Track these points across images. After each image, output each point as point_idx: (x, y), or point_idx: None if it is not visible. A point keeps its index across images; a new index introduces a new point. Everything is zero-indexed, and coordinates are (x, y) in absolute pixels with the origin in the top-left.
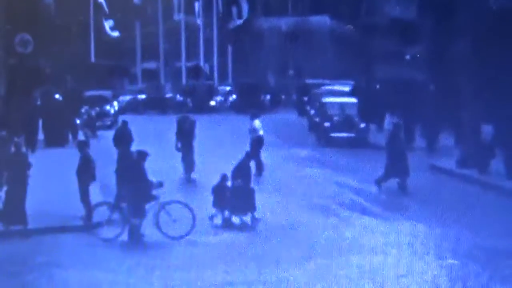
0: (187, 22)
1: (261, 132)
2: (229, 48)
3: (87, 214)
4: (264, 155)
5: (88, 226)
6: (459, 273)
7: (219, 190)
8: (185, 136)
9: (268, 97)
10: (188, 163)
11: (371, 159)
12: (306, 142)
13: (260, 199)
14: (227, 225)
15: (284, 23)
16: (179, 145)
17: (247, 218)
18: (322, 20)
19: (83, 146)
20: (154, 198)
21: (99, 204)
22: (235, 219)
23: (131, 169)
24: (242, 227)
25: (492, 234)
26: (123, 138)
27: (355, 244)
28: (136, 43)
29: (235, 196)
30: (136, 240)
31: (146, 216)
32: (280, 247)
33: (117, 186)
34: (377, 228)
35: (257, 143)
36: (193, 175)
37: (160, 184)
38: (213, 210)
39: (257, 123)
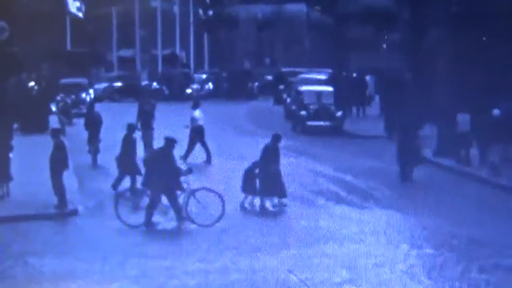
0: (164, 9)
1: (201, 122)
2: (205, 36)
3: (60, 202)
4: (240, 143)
5: (63, 214)
6: (435, 262)
7: (248, 175)
8: (145, 116)
9: (256, 84)
10: (148, 141)
11: (347, 148)
12: (283, 130)
13: (237, 187)
14: (260, 210)
15: (260, 10)
16: (139, 125)
17: (276, 202)
18: (298, 8)
19: (56, 134)
20: (183, 185)
21: (126, 191)
22: (266, 204)
23: (160, 156)
24: (267, 211)
25: (468, 223)
26: (92, 121)
27: (331, 233)
28: (112, 30)
29: (264, 179)
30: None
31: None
32: (256, 235)
33: (144, 173)
34: (353, 217)
35: (197, 132)
36: None
37: (189, 171)
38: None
39: (197, 113)
